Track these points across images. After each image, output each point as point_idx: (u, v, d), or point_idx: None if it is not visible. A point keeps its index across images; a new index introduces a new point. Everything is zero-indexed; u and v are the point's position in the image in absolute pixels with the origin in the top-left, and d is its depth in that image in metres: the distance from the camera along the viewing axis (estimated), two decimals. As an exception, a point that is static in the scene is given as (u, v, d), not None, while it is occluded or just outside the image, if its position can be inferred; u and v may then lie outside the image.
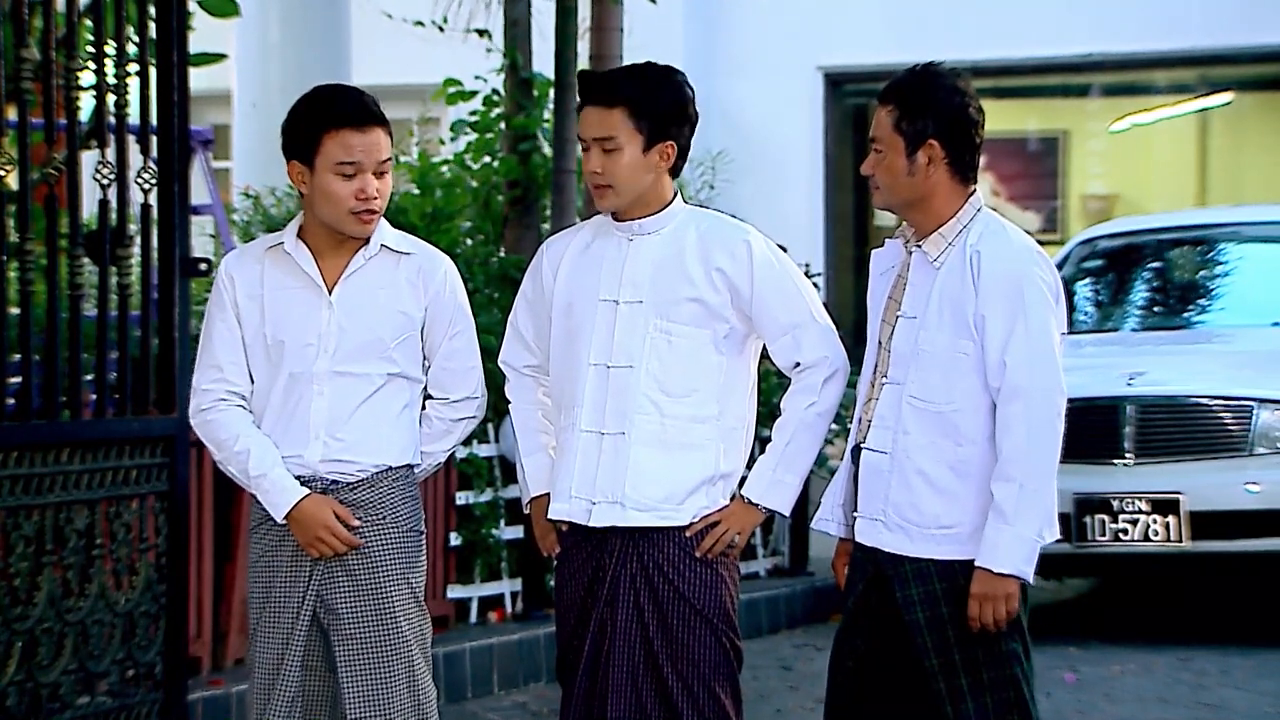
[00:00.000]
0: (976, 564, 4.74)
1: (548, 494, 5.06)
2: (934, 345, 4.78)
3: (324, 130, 4.86)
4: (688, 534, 4.94)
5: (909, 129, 4.78)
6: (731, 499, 5.02)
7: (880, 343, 4.89)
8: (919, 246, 4.85)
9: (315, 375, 4.92)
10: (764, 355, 5.15)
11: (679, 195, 5.07)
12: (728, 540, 4.97)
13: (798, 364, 5.01)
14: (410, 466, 5.02)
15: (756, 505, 5.00)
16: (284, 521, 4.91)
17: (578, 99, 4.99)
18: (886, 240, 5.01)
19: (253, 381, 4.98)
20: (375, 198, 4.88)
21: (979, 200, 4.88)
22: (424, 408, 5.08)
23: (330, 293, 4.94)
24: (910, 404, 4.79)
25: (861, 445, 4.87)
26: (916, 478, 4.79)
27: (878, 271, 4.97)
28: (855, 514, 4.89)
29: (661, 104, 4.92)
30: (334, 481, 4.93)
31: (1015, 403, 4.72)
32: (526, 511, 5.24)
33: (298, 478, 4.91)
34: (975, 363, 4.76)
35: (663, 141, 4.93)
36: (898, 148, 4.80)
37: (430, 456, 5.09)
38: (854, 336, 5.20)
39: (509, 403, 5.21)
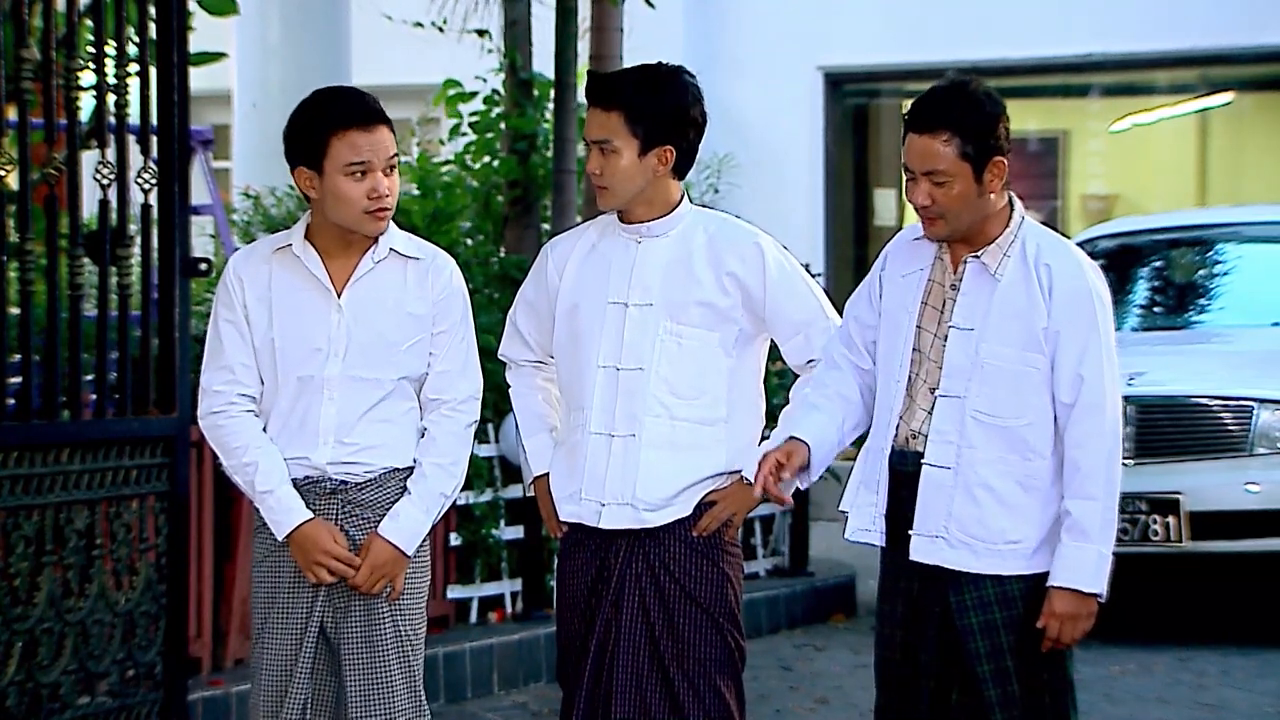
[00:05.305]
0: (1057, 584, 4.65)
1: (548, 473, 5.08)
2: (1000, 359, 4.68)
3: (330, 133, 4.81)
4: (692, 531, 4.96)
5: (975, 153, 4.62)
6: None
7: (917, 349, 4.78)
8: (977, 257, 4.73)
9: (326, 380, 4.89)
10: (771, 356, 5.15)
11: (686, 196, 5.06)
12: (723, 519, 4.97)
13: (811, 360, 5.03)
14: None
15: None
16: (284, 541, 4.88)
17: (584, 98, 4.99)
18: (909, 240, 4.86)
19: (262, 383, 4.96)
20: (387, 195, 4.84)
21: (1019, 204, 4.79)
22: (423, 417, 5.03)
23: (339, 296, 4.91)
24: (976, 419, 4.68)
25: (923, 462, 4.72)
26: (983, 492, 4.69)
27: (900, 273, 4.84)
28: (910, 531, 4.74)
29: (660, 109, 4.89)
30: (342, 482, 4.91)
31: (1092, 418, 4.66)
32: (529, 494, 5.23)
33: (305, 477, 4.89)
34: (1044, 376, 4.68)
35: (660, 146, 4.91)
36: (965, 174, 4.63)
37: (448, 473, 4.97)
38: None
39: (510, 389, 5.21)
